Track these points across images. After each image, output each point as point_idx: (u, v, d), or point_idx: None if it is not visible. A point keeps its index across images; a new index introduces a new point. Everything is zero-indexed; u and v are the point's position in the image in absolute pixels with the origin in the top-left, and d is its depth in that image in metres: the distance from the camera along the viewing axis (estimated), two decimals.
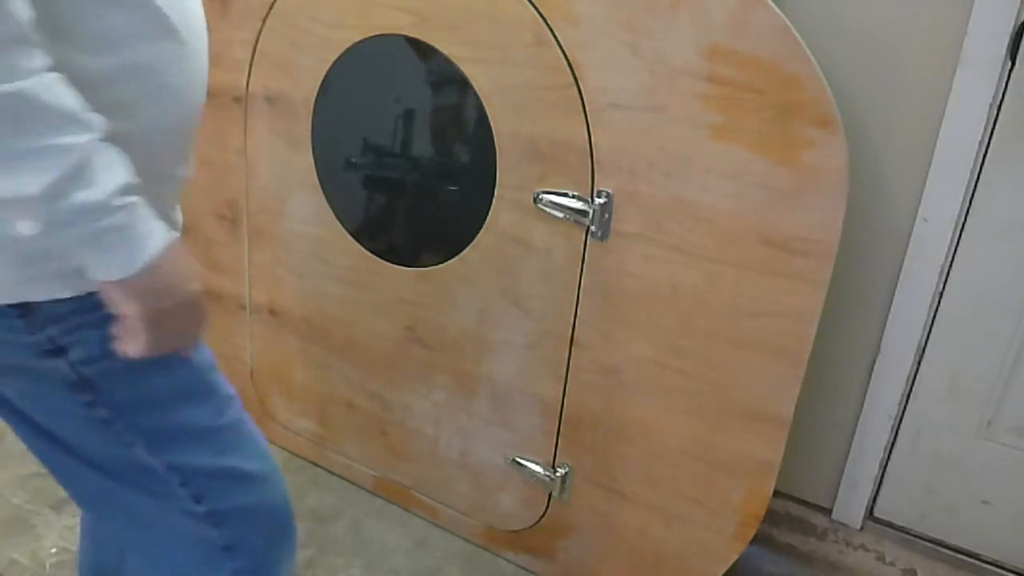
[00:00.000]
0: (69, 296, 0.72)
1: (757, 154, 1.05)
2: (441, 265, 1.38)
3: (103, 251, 0.64)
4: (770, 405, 1.15)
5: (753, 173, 1.06)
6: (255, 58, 1.48)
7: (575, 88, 1.15)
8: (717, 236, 1.11)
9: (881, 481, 1.44)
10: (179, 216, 0.84)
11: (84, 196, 0.60)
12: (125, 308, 0.68)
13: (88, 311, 0.73)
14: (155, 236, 0.67)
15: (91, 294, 0.72)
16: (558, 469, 1.38)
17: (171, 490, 0.83)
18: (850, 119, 1.16)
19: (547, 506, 1.43)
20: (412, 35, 1.28)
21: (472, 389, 1.43)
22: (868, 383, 1.37)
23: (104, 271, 0.65)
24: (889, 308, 1.30)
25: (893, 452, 1.41)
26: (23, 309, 0.71)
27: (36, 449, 0.86)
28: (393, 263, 1.45)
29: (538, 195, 1.22)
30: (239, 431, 0.88)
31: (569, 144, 1.18)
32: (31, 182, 0.58)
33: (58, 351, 0.73)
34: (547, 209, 1.22)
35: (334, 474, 1.72)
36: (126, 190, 0.63)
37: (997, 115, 1.15)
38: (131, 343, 0.71)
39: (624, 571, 1.38)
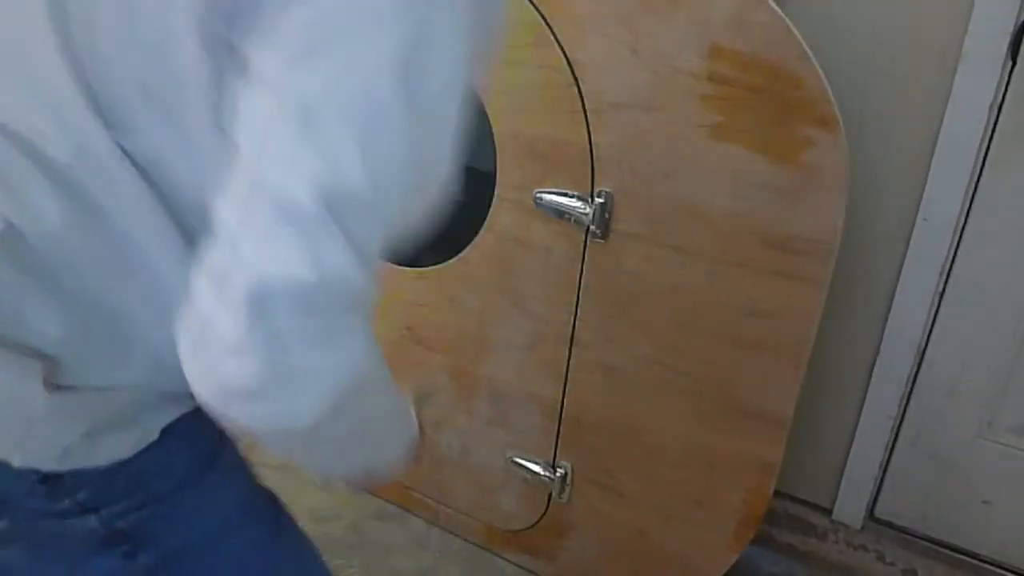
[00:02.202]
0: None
1: (757, 154, 1.05)
2: (441, 265, 1.38)
3: None
4: (770, 405, 1.15)
5: (753, 173, 1.06)
6: None
7: (575, 88, 1.15)
8: (717, 236, 1.11)
9: (881, 481, 1.44)
10: None
11: None
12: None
13: (117, 468, 0.63)
14: (415, 423, 0.70)
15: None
16: (558, 469, 1.37)
17: None
18: (850, 119, 1.15)
19: (547, 506, 1.42)
20: None
21: (472, 389, 1.43)
22: (868, 383, 1.36)
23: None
24: (889, 308, 1.30)
25: (893, 452, 1.41)
26: (47, 475, 0.60)
27: None
28: (393, 263, 1.44)
29: (538, 195, 1.22)
30: (295, 547, 0.82)
31: (569, 144, 1.18)
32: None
33: (90, 510, 0.63)
34: (547, 209, 1.22)
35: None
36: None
37: (998, 115, 1.15)
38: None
39: (624, 571, 1.38)
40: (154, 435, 0.64)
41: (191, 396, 0.54)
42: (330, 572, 0.84)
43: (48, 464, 0.59)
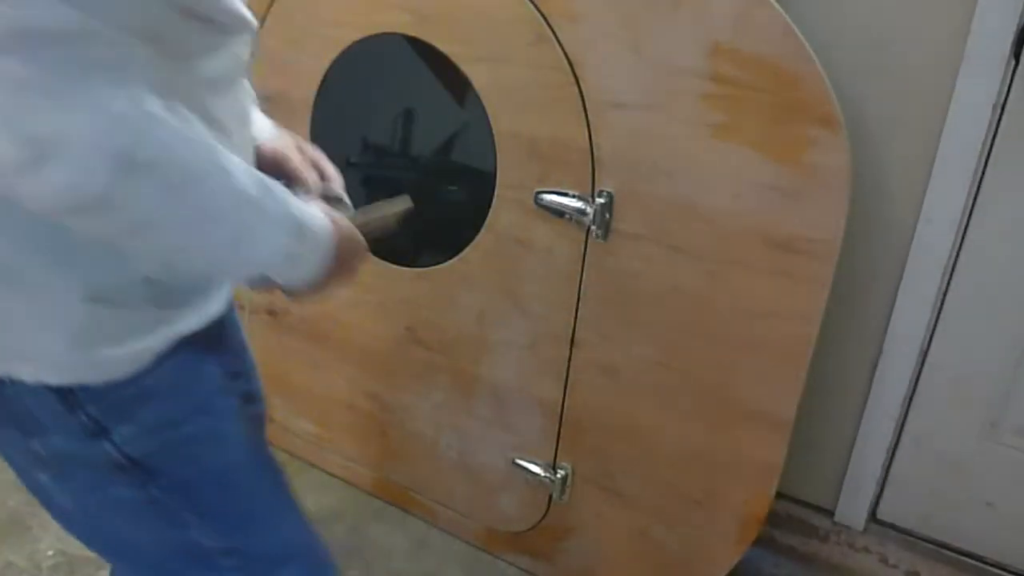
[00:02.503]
0: (122, 379, 0.67)
1: (759, 153, 1.05)
2: (441, 265, 1.38)
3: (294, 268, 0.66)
4: (772, 406, 1.14)
5: (755, 173, 1.06)
6: (254, 57, 1.47)
7: (576, 87, 1.14)
8: (718, 236, 1.11)
9: (884, 483, 1.44)
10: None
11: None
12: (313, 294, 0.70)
13: (128, 386, 0.68)
14: (319, 223, 0.67)
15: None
16: (558, 470, 1.37)
17: None
18: (853, 118, 1.15)
19: (547, 507, 1.42)
20: (412, 34, 1.27)
21: (472, 390, 1.43)
22: (871, 384, 1.36)
23: (295, 284, 0.68)
24: (892, 309, 1.30)
25: (896, 454, 1.40)
26: (62, 391, 0.65)
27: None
28: (393, 263, 1.44)
29: (538, 195, 1.22)
30: (294, 506, 0.85)
31: (570, 143, 1.17)
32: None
33: (101, 432, 0.68)
34: (547, 209, 1.22)
35: (333, 475, 1.71)
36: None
37: (1001, 114, 1.15)
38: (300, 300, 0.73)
39: (625, 573, 1.37)
40: (146, 360, 0.67)
41: (170, 323, 0.67)
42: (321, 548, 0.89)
43: (52, 377, 0.64)
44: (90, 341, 0.64)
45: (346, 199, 0.84)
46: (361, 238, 0.75)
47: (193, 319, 0.71)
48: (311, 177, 0.83)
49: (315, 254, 0.67)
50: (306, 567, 0.86)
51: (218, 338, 0.78)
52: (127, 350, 0.66)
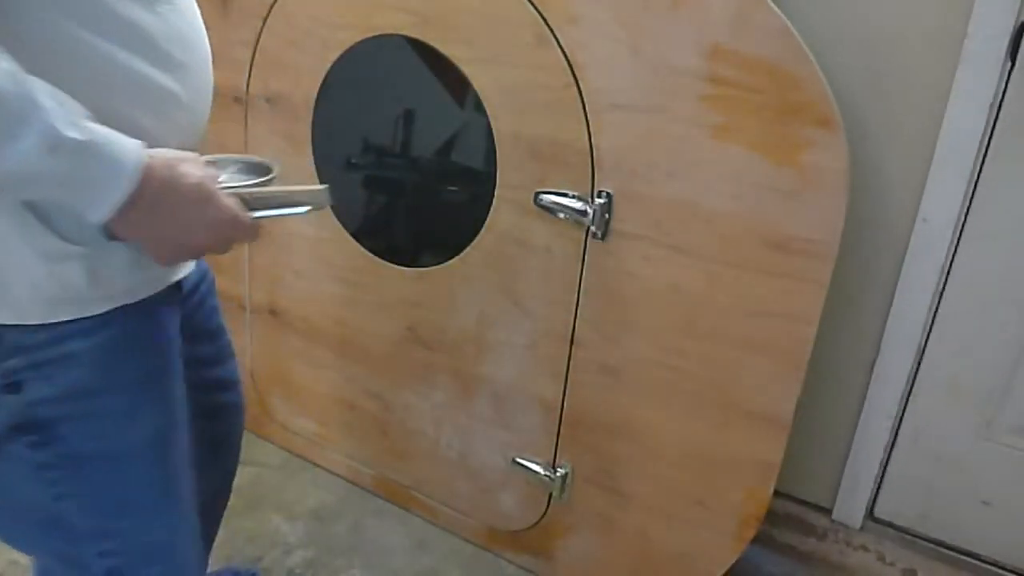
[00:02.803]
0: (38, 323, 0.68)
1: (757, 154, 1.06)
2: (441, 265, 1.38)
3: (75, 188, 0.60)
4: (770, 405, 1.15)
5: (753, 173, 1.06)
6: (255, 58, 1.48)
7: (575, 88, 1.15)
8: (717, 236, 1.11)
9: (881, 481, 1.44)
10: None
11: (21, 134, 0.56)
12: (131, 240, 0.65)
13: (55, 345, 0.68)
14: (129, 153, 0.62)
15: (60, 325, 0.68)
16: (558, 469, 1.38)
17: (85, 560, 0.78)
18: (850, 119, 1.16)
19: (547, 506, 1.43)
20: (413, 35, 1.28)
21: (472, 389, 1.43)
22: (868, 383, 1.37)
23: (89, 210, 0.61)
24: (889, 308, 1.30)
25: (893, 452, 1.41)
26: None
27: None
28: (393, 263, 1.45)
29: (538, 195, 1.22)
30: (177, 510, 0.83)
31: (569, 144, 1.18)
32: None
33: (14, 386, 0.69)
34: (547, 209, 1.22)
35: (334, 474, 1.72)
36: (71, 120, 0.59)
37: (997, 115, 1.15)
38: (161, 260, 0.68)
39: (624, 571, 1.38)
40: (34, 313, 0.67)
41: (74, 303, 0.67)
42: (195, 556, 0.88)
43: None
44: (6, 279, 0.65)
45: (273, 168, 0.80)
46: (218, 194, 0.69)
47: (120, 284, 0.70)
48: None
49: (102, 178, 0.61)
50: (169, 573, 0.84)
51: (162, 319, 0.77)
52: (41, 291, 0.66)
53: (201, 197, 0.67)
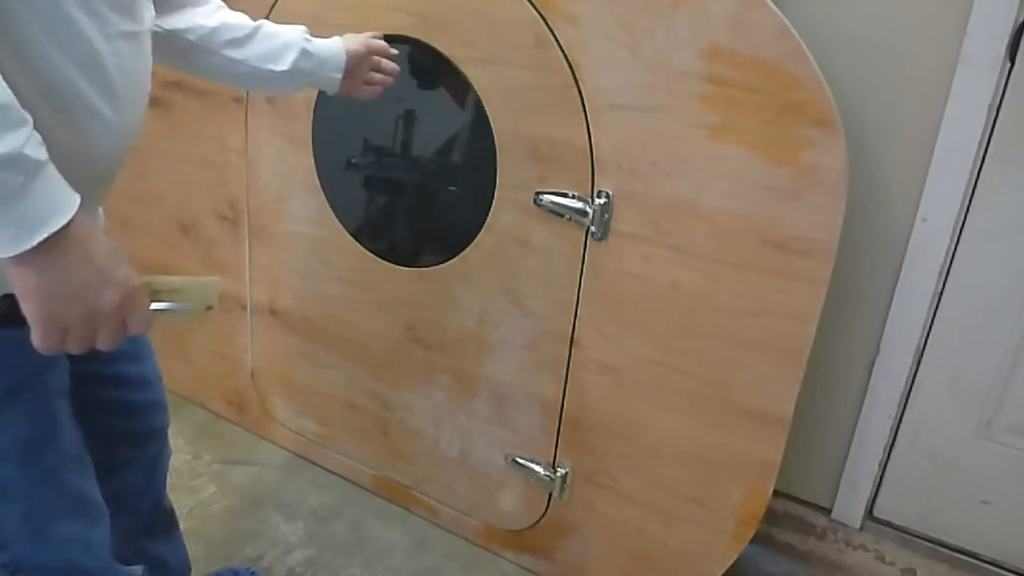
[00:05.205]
0: None
1: (757, 154, 1.06)
2: (441, 265, 1.39)
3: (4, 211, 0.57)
4: (770, 405, 1.15)
5: (753, 173, 1.07)
6: None
7: (575, 88, 1.15)
8: (717, 236, 1.11)
9: (880, 481, 1.45)
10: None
11: None
12: (19, 290, 0.61)
13: None
14: (60, 205, 0.59)
15: None
16: (558, 469, 1.38)
17: None
18: (850, 119, 1.16)
19: (547, 506, 1.43)
20: (413, 36, 1.28)
21: (472, 389, 1.44)
22: (868, 383, 1.37)
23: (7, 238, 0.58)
24: (889, 308, 1.31)
25: (892, 452, 1.41)
26: None
27: None
28: (393, 263, 1.45)
29: (538, 195, 1.23)
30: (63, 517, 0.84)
31: (569, 144, 1.18)
32: None
33: None
34: (547, 209, 1.23)
35: (334, 474, 1.72)
36: (13, 156, 0.56)
37: (996, 115, 1.15)
38: (36, 334, 0.62)
39: (624, 570, 1.38)
40: None
41: None
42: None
43: None
44: None
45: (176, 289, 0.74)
46: (127, 265, 0.66)
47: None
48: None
49: (37, 210, 0.58)
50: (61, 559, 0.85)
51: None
52: None
53: (112, 259, 0.64)
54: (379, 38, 1.20)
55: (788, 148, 1.04)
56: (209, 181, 1.65)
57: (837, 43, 1.19)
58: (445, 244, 1.38)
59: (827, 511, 1.50)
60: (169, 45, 0.98)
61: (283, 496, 1.65)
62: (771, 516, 1.51)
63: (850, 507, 1.47)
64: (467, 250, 1.35)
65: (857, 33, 1.19)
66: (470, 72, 1.24)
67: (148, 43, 0.80)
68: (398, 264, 1.44)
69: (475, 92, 1.25)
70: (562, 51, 1.15)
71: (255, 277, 1.67)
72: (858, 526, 1.47)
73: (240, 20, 1.05)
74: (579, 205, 1.19)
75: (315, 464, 1.75)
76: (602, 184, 1.18)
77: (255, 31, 1.05)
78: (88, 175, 0.74)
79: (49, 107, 0.67)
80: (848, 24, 1.19)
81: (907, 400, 1.37)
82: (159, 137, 1.68)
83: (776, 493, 1.43)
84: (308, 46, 1.09)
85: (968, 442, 1.34)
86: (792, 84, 1.01)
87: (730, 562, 1.26)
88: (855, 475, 1.44)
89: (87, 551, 0.87)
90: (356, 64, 1.14)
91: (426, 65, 1.30)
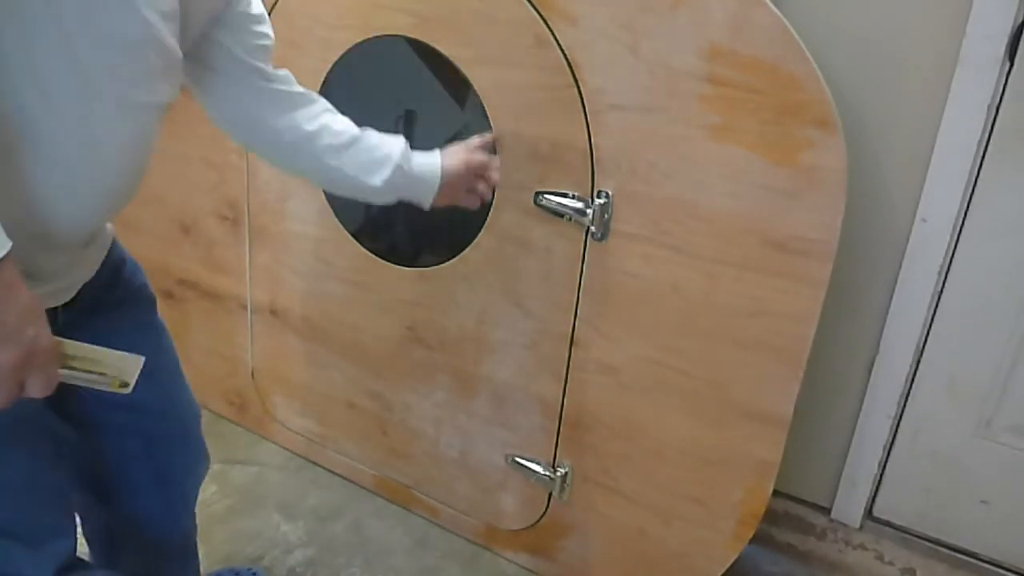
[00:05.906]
0: None
1: (756, 154, 1.06)
2: (441, 265, 1.39)
3: None
4: (769, 405, 1.15)
5: (752, 173, 1.07)
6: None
7: (575, 89, 1.15)
8: (716, 236, 1.12)
9: (880, 480, 1.45)
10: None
11: None
12: None
13: None
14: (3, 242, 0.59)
15: None
16: (558, 469, 1.38)
17: None
18: (849, 120, 1.16)
19: (547, 506, 1.43)
20: (413, 36, 1.28)
21: (472, 389, 1.44)
22: (867, 383, 1.37)
23: None
24: (888, 308, 1.31)
25: (892, 452, 1.41)
26: None
27: None
28: (393, 263, 1.45)
29: (538, 195, 1.23)
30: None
31: (569, 144, 1.18)
32: None
33: None
34: (547, 209, 1.23)
35: (334, 473, 1.72)
36: None
37: (995, 116, 1.16)
38: None
39: (624, 570, 1.38)
40: None
41: None
42: None
43: None
44: None
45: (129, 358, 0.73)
46: (32, 327, 0.63)
47: None
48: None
49: None
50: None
51: None
52: None
53: (24, 317, 0.62)
54: (482, 146, 1.21)
55: (788, 148, 1.04)
56: (210, 181, 1.66)
57: (837, 43, 1.20)
58: (445, 244, 1.38)
59: (827, 511, 1.50)
60: (268, 140, 0.99)
61: (283, 496, 1.65)
62: (771, 516, 1.52)
63: (850, 507, 1.47)
64: (467, 250, 1.35)
65: (857, 33, 1.19)
66: (470, 72, 1.24)
67: (154, 119, 0.81)
68: (398, 264, 1.44)
69: (475, 92, 1.25)
70: (562, 51, 1.15)
71: (255, 277, 1.67)
72: (858, 526, 1.47)
73: (342, 126, 1.04)
74: (579, 205, 1.19)
75: (315, 464, 1.75)
76: (602, 184, 1.18)
77: (354, 141, 1.05)
78: (36, 231, 0.72)
79: (38, 169, 0.67)
80: (848, 24, 1.19)
81: (906, 400, 1.37)
82: (159, 137, 1.68)
83: (776, 493, 1.43)
84: (404, 164, 1.09)
85: (967, 442, 1.34)
86: (792, 84, 1.01)
87: (730, 562, 1.26)
88: (855, 475, 1.44)
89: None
90: (452, 183, 1.15)
91: (426, 66, 1.30)
